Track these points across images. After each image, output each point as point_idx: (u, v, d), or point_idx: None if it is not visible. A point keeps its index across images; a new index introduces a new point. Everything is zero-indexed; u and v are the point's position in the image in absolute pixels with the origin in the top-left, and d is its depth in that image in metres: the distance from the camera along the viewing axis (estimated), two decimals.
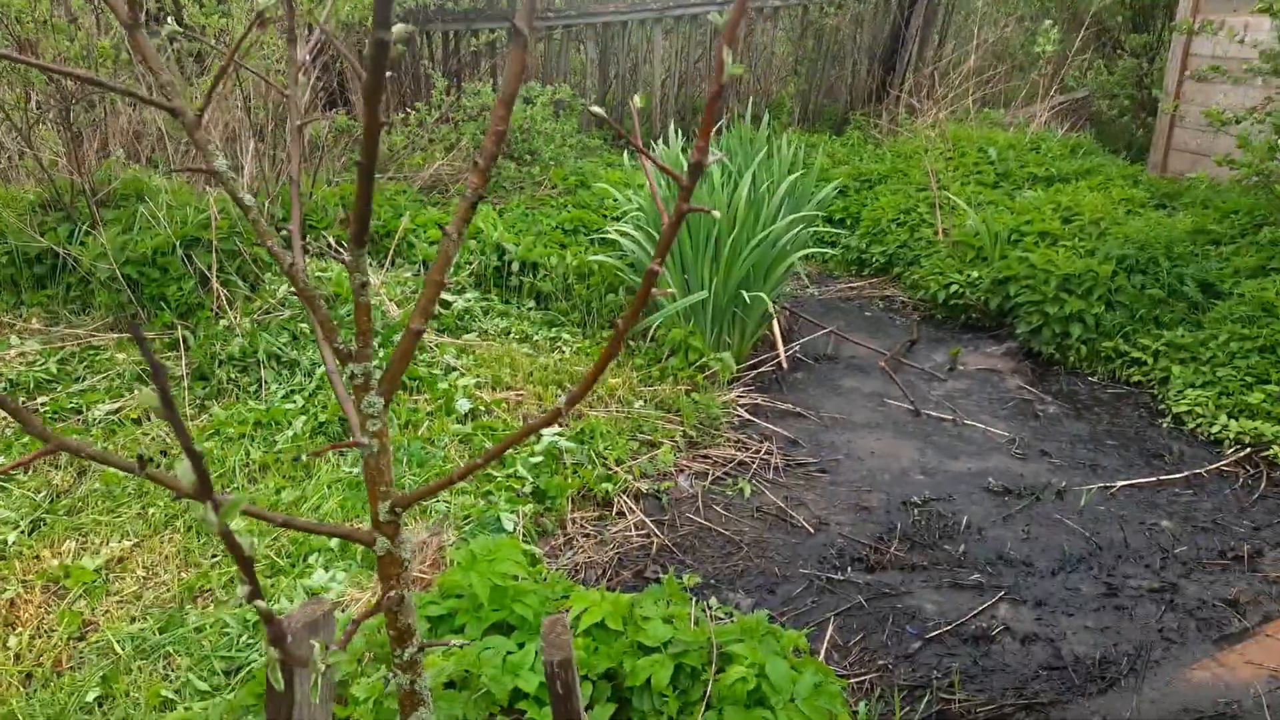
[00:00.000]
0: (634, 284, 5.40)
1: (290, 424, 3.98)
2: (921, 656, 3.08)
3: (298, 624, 1.15)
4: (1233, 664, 3.03)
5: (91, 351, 4.25)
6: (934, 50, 9.90)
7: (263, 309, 4.45)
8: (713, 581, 3.47)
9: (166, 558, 3.16)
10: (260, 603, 0.78)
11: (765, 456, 4.37)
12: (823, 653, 3.07)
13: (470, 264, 5.61)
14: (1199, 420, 4.53)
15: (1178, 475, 4.16)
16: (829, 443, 4.53)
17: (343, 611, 2.87)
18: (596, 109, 0.99)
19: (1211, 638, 3.16)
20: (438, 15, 7.55)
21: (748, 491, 4.08)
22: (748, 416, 4.75)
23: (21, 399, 3.91)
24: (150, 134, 5.75)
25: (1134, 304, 5.15)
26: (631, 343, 5.24)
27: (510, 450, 3.98)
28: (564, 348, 5.13)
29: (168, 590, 3.01)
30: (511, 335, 5.22)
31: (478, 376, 4.61)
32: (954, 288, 5.97)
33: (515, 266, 5.64)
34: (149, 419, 3.96)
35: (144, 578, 3.07)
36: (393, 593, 1.14)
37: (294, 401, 4.14)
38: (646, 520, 3.84)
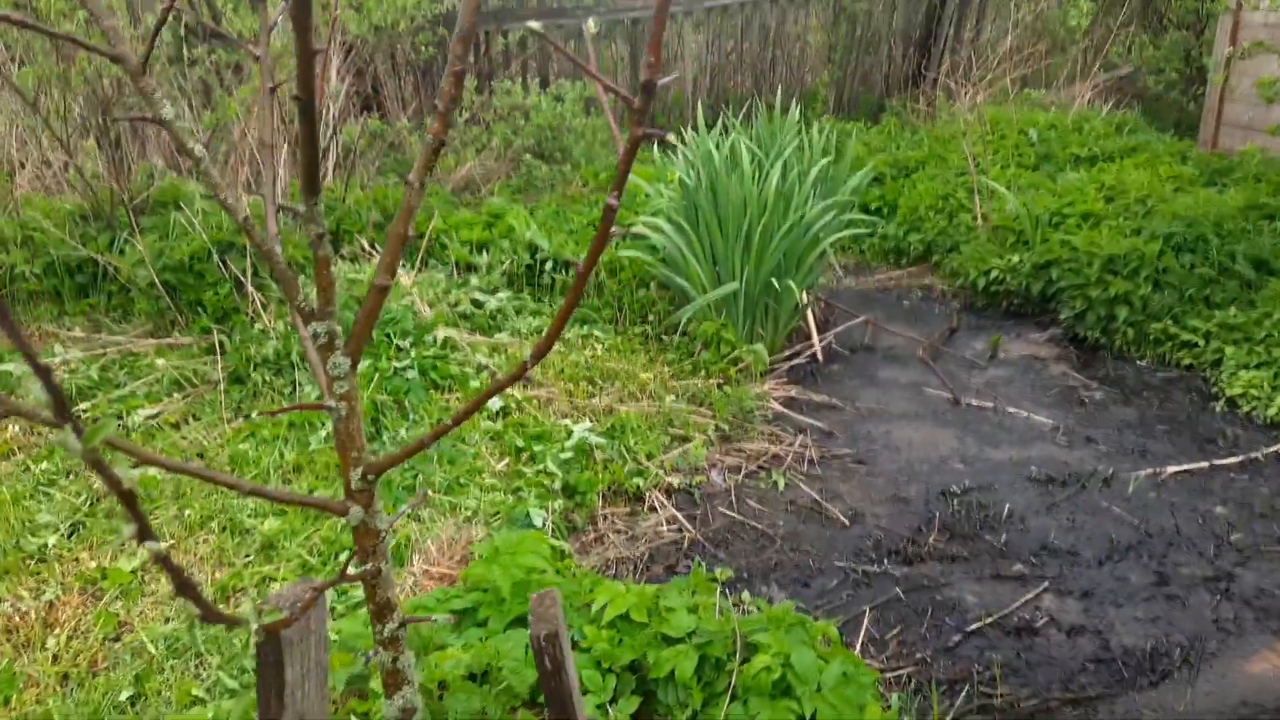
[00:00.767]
0: (666, 279, 5.36)
1: (323, 425, 4.01)
2: (962, 650, 2.98)
3: (284, 602, 1.13)
4: None
5: (132, 358, 4.34)
6: (970, 30, 9.68)
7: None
8: (745, 576, 3.41)
9: (201, 558, 3.20)
10: (152, 544, 0.75)
11: (800, 449, 4.30)
12: (858, 646, 2.99)
13: (503, 263, 5.62)
14: (1254, 403, 4.35)
15: (1232, 460, 3.99)
16: (865, 434, 4.43)
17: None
18: (533, 24, 0.95)
19: (1271, 628, 3.02)
20: None
21: (781, 485, 4.00)
22: (782, 409, 4.67)
23: None
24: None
25: (1183, 284, 4.96)
26: (664, 337, 5.20)
27: (540, 446, 3.97)
28: (595, 345, 5.10)
29: (202, 590, 3.05)
30: (544, 334, 5.21)
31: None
32: (994, 274, 5.81)
33: (548, 265, 5.63)
34: (188, 422, 4.03)
35: None
36: (369, 564, 1.11)
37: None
38: (678, 515, 3.79)
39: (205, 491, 3.53)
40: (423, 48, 6.81)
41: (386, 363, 4.33)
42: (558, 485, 3.78)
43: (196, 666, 2.72)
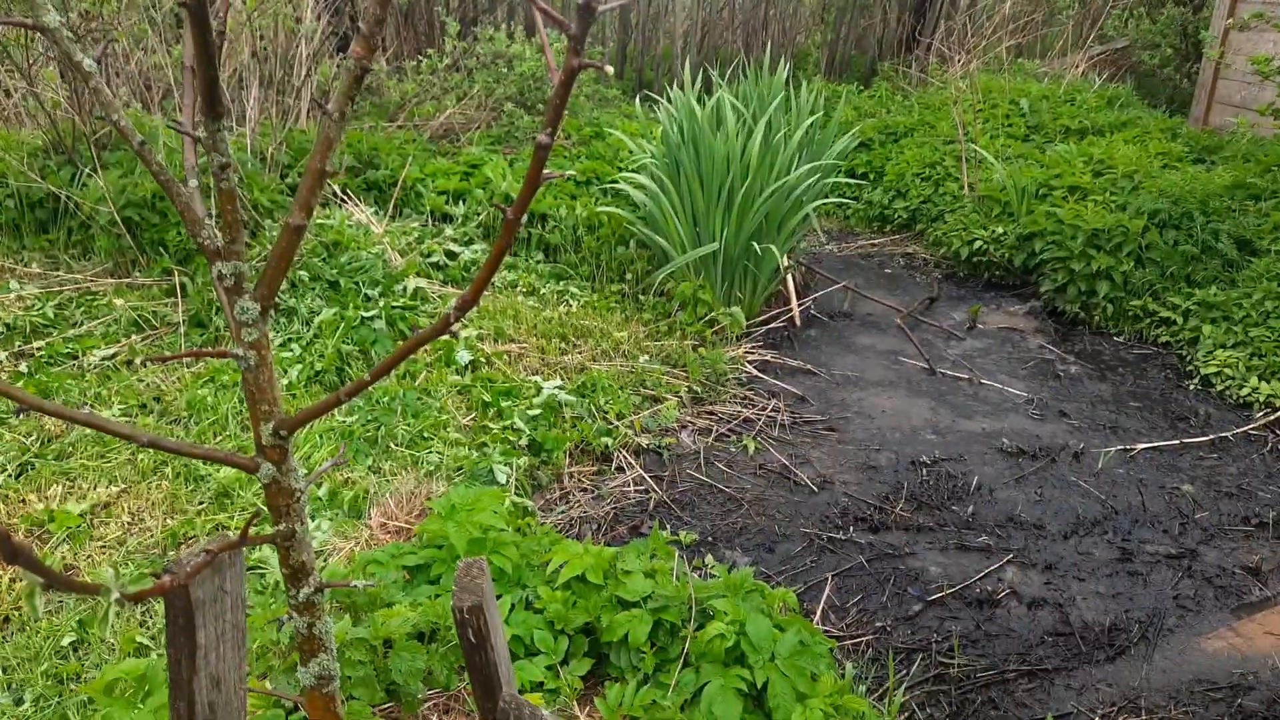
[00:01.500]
0: (645, 237, 5.25)
1: (286, 372, 3.92)
2: (922, 619, 2.97)
3: (198, 562, 1.06)
4: (1251, 634, 2.89)
5: (90, 297, 4.21)
6: None
7: (261, 255, 4.37)
8: (710, 539, 3.38)
9: (153, 504, 3.12)
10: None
11: (772, 414, 4.25)
12: (819, 613, 2.97)
13: (478, 215, 5.50)
14: (1228, 382, 4.33)
15: (1203, 439, 3.98)
16: (839, 400, 4.39)
17: (325, 561, 2.81)
18: None
19: (1230, 606, 3.02)
20: None
21: (752, 449, 3.96)
22: (756, 373, 4.62)
23: (18, 343, 3.88)
24: (162, 81, 5.65)
25: (1165, 261, 4.92)
26: (641, 297, 5.11)
27: (508, 402, 3.90)
28: (571, 301, 5.01)
29: (151, 536, 2.97)
30: (518, 288, 5.11)
31: (480, 329, 4.51)
32: (978, 244, 5.75)
33: (524, 218, 5.51)
34: (144, 365, 3.92)
35: (129, 523, 3.03)
36: (282, 525, 1.04)
37: (291, 350, 4.07)
38: (645, 476, 3.74)
39: (164, 434, 3.44)
40: None
41: (354, 311, 4.23)
42: (524, 442, 3.71)
43: (144, 613, 2.66)
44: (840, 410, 4.30)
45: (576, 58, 0.80)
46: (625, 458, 3.85)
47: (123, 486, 3.18)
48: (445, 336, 3.78)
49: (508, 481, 3.45)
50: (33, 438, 3.38)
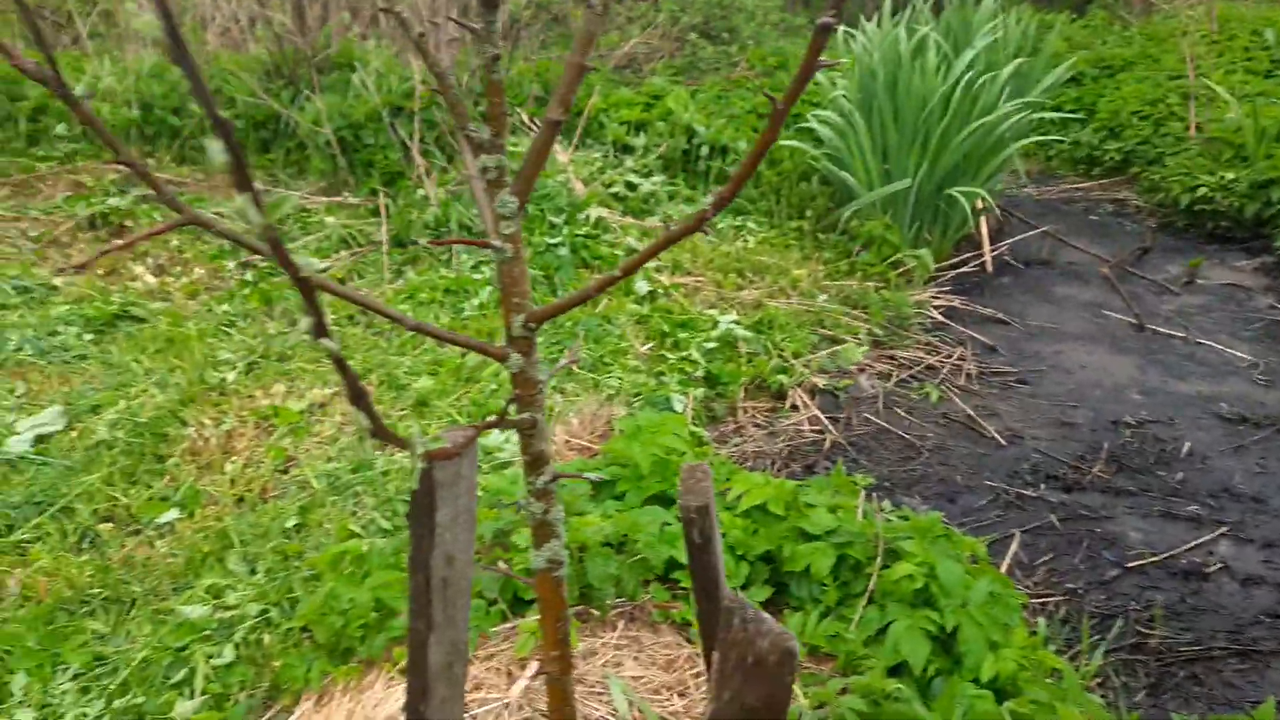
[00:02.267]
0: (829, 173, 5.08)
1: (478, 293, 4.10)
2: (1119, 585, 2.79)
3: (467, 436, 1.13)
4: None
5: (305, 214, 4.54)
6: None
7: (457, 180, 4.56)
8: (887, 484, 3.30)
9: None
10: (329, 343, 0.71)
11: (958, 362, 4.06)
12: (1004, 568, 2.84)
13: (658, 146, 5.49)
14: None
15: None
16: (1032, 352, 4.14)
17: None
18: None
19: None
20: None
21: (935, 397, 3.81)
22: (942, 319, 4.42)
23: (244, 253, 4.25)
24: (366, 6, 5.93)
25: None
26: (820, 235, 4.98)
27: (685, 334, 3.92)
28: (748, 236, 4.95)
29: (360, 437, 3.22)
30: (708, 234, 5.08)
31: (658, 260, 4.54)
32: (1201, 191, 5.20)
33: (704, 150, 5.46)
34: (354, 279, 4.20)
35: (340, 423, 3.30)
36: (526, 414, 1.08)
37: (481, 272, 4.25)
38: (821, 416, 3.68)
39: (367, 345, 3.70)
40: None
41: (539, 237, 4.35)
42: (700, 374, 3.73)
43: (354, 505, 2.89)
44: (1034, 363, 4.06)
45: (829, 15, 0.75)
46: (800, 396, 3.80)
47: (335, 389, 3.44)
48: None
49: (684, 410, 3.49)
50: (258, 339, 3.71)
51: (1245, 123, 5.25)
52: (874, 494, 3.21)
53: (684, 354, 3.84)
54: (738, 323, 4.05)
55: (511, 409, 1.13)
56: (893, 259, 4.65)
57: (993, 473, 3.34)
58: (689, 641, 2.16)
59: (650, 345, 3.92)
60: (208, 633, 2.30)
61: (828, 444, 3.52)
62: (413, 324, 1.01)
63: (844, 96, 5.16)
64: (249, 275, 4.19)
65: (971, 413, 3.69)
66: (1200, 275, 4.76)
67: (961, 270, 4.86)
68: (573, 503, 2.26)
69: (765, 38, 6.67)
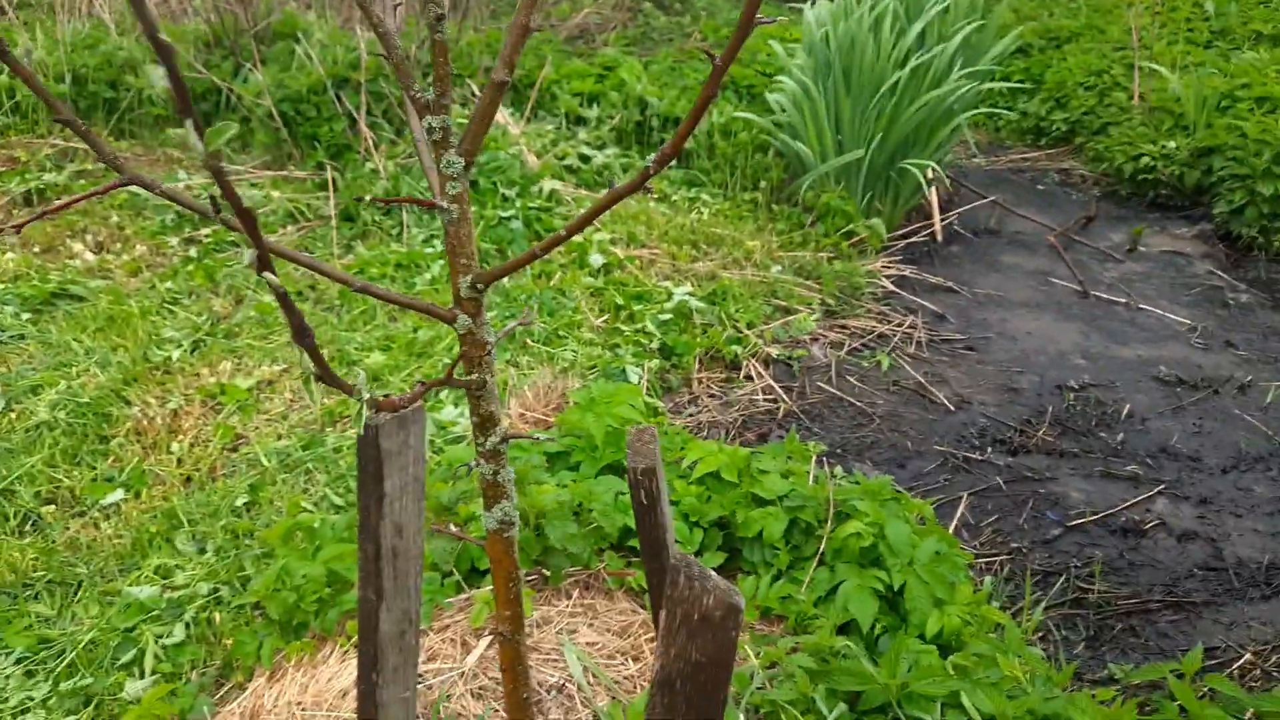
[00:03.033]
0: (783, 145, 5.10)
1: (429, 267, 4.05)
2: (1060, 544, 2.88)
3: (415, 391, 1.12)
4: None
5: (251, 188, 4.43)
6: None
7: (406, 153, 4.49)
8: (839, 451, 3.35)
9: (311, 383, 3.33)
10: (271, 276, 0.71)
11: (908, 330, 4.13)
12: (951, 529, 2.91)
13: (611, 118, 5.45)
14: None
15: None
16: (980, 320, 4.22)
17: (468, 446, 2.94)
18: None
19: None
20: None
21: (886, 364, 3.87)
22: (893, 288, 4.48)
23: (187, 230, 4.15)
24: None
25: None
26: (774, 206, 5.00)
27: (639, 306, 3.92)
28: (702, 208, 4.95)
29: (310, 413, 3.18)
30: (650, 194, 5.07)
31: (613, 233, 4.52)
32: (1144, 160, 5.32)
33: (657, 122, 5.43)
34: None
35: (290, 400, 3.25)
36: (474, 375, 1.08)
37: (433, 246, 4.20)
38: (775, 385, 3.72)
39: (316, 321, 3.64)
40: None
41: (492, 210, 4.31)
42: (655, 345, 3.74)
43: (306, 482, 2.86)
44: (981, 330, 4.14)
45: None
46: (754, 367, 3.83)
47: (284, 366, 3.39)
48: (578, 239, 3.78)
49: (639, 382, 3.50)
50: (203, 317, 3.64)
51: (1186, 93, 5.36)
52: (826, 461, 3.26)
53: (639, 326, 3.84)
54: (692, 294, 4.07)
55: (459, 369, 1.13)
56: (845, 229, 4.69)
57: (941, 438, 3.41)
58: (644, 608, 2.18)
59: (605, 318, 3.91)
60: (157, 613, 2.27)
61: (781, 413, 3.56)
62: (359, 285, 1.00)
63: (796, 65, 5.17)
64: (193, 251, 4.09)
65: (921, 380, 3.76)
66: (1142, 243, 4.88)
67: (912, 240, 4.93)
68: (528, 473, 2.27)
69: (718, 9, 6.64)
